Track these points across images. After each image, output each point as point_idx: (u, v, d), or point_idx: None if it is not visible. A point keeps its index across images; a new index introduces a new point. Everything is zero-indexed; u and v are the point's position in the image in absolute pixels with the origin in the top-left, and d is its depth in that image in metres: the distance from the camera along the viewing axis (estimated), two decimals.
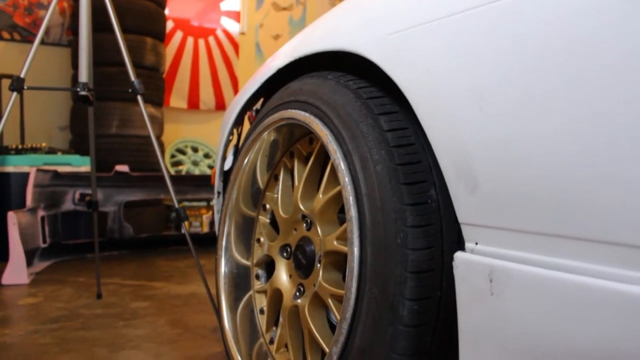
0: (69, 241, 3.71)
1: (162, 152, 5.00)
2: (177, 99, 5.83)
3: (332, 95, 1.04)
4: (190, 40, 5.92)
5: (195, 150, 5.77)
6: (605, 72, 0.61)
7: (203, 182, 4.17)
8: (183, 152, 5.70)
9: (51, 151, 4.03)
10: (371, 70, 1.03)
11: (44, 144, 4.03)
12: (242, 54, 6.29)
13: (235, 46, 6.24)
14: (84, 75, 2.21)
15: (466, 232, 0.80)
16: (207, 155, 5.78)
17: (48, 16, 2.11)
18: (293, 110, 1.15)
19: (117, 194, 3.86)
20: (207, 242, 3.94)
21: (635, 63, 0.58)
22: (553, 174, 0.67)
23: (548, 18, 0.67)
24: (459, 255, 0.80)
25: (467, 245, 0.80)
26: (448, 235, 0.86)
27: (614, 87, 0.60)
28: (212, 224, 4.47)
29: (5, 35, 4.90)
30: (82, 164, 3.91)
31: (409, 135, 0.92)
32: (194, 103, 5.94)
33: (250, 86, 1.44)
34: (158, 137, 4.69)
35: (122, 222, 3.83)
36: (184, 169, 5.58)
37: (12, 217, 2.97)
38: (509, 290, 0.72)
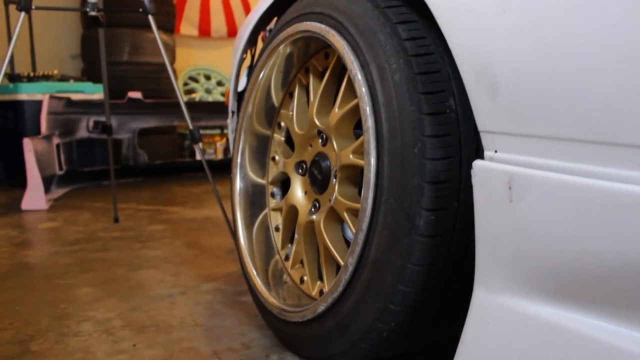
0: (85, 168, 3.74)
1: (175, 79, 4.96)
2: (188, 26, 5.73)
3: (348, 5, 1.01)
4: None
5: (208, 78, 5.72)
6: None
7: (216, 109, 4.15)
8: (196, 80, 5.65)
9: (63, 79, 4.01)
10: None
11: (55, 72, 4.01)
12: None
13: None
14: None
15: (486, 140, 0.78)
16: (220, 83, 5.73)
17: None
18: (308, 23, 1.11)
19: (130, 121, 3.86)
20: (221, 169, 3.94)
21: None
22: (574, 78, 0.64)
23: None
24: (477, 163, 0.79)
25: (486, 153, 0.78)
26: (466, 145, 0.85)
27: None
28: (226, 151, 4.48)
29: None
30: (94, 91, 3.89)
31: (428, 44, 0.89)
32: (205, 30, 5.84)
33: (262, 3, 1.40)
34: (170, 64, 4.64)
35: (136, 149, 3.85)
36: (196, 96, 5.55)
37: (28, 144, 2.99)
38: (528, 196, 0.71)
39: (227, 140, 4.50)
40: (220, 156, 4.42)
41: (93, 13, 2.12)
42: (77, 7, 3.96)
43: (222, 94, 5.64)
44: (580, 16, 0.63)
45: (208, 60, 5.79)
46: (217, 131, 4.90)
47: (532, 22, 0.69)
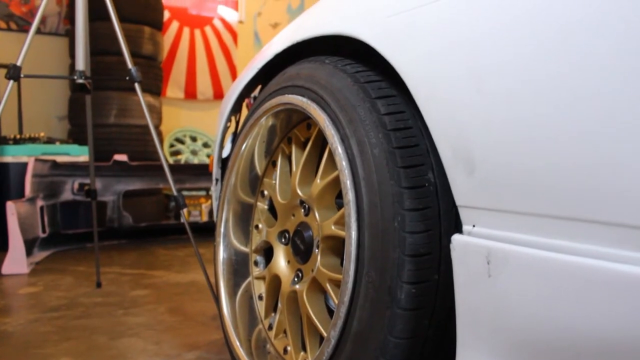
0: (68, 231, 3.71)
1: (161, 141, 4.99)
2: (174, 89, 5.81)
3: (329, 80, 1.04)
4: (186, 30, 5.89)
5: (193, 139, 5.76)
6: (605, 54, 0.61)
7: (202, 171, 4.17)
8: (182, 142, 5.69)
9: (49, 141, 4.02)
10: (369, 54, 1.03)
11: (42, 134, 4.02)
12: (240, 43, 6.27)
13: (234, 35, 6.21)
14: (80, 63, 2.21)
15: (464, 214, 0.80)
16: (205, 145, 5.78)
17: (44, 4, 2.10)
18: (290, 95, 1.14)
19: (116, 183, 3.86)
20: (206, 231, 3.94)
21: (634, 46, 0.58)
22: (550, 155, 0.66)
23: None
24: (456, 237, 0.80)
25: (465, 227, 0.79)
26: (446, 218, 0.86)
27: (613, 70, 0.60)
28: (211, 213, 4.47)
29: (2, 24, 4.88)
30: (80, 154, 3.90)
31: (406, 118, 0.92)
32: (191, 93, 5.93)
33: (247, 73, 1.44)
34: (157, 127, 4.68)
35: (121, 211, 3.84)
36: (182, 158, 5.57)
37: (11, 207, 2.97)
38: (506, 272, 0.71)
39: (212, 202, 4.51)
40: (205, 218, 4.40)
41: (80, 81, 2.16)
42: (65, 75, 4.01)
43: (208, 156, 5.67)
44: (554, 94, 0.66)
45: (194, 121, 5.85)
46: (203, 193, 4.90)
47: (506, 101, 0.72)
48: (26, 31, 2.09)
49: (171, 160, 5.43)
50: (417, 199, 0.85)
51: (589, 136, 0.62)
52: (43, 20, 4.96)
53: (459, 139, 0.79)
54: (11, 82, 2.04)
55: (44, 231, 3.41)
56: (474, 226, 0.78)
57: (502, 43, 0.72)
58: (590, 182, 0.63)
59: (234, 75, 6.14)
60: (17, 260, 2.94)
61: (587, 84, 0.62)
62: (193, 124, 5.83)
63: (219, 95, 6.04)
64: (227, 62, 6.14)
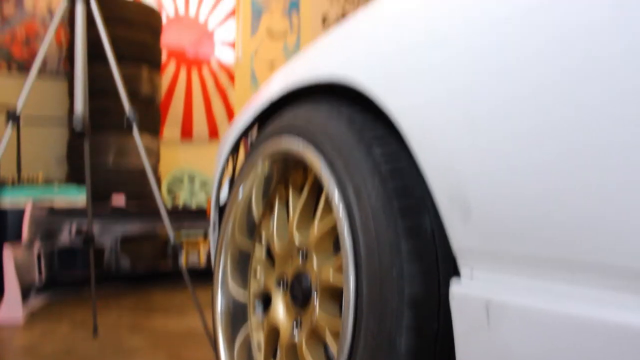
0: (66, 276, 3.66)
1: (159, 183, 4.98)
2: (171, 129, 5.84)
3: (324, 124, 1.03)
4: (183, 71, 5.95)
5: (192, 180, 5.76)
6: (597, 102, 0.60)
7: (200, 215, 4.14)
8: (180, 182, 5.69)
9: (47, 182, 4.01)
10: (364, 96, 1.02)
11: (40, 174, 4.02)
12: (237, 82, 6.32)
13: (231, 75, 6.27)
14: (79, 111, 2.22)
15: (461, 260, 0.79)
16: (204, 184, 5.77)
17: (42, 52, 2.12)
18: (286, 140, 1.14)
19: (113, 228, 3.84)
20: (205, 276, 3.89)
21: (625, 99, 0.58)
22: (548, 201, 0.66)
23: (540, 47, 0.67)
24: (455, 286, 0.78)
25: (463, 274, 0.78)
26: (444, 264, 0.85)
27: (605, 118, 0.60)
28: (209, 256, 4.43)
29: (2, 68, 4.93)
30: (78, 194, 3.88)
31: (402, 163, 0.91)
32: (187, 133, 5.96)
33: (243, 117, 1.44)
34: (155, 168, 4.68)
35: (118, 256, 3.81)
36: (180, 198, 5.56)
37: (8, 252, 2.94)
38: (505, 321, 0.70)
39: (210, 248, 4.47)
40: (203, 262, 4.36)
41: (79, 129, 2.17)
42: (64, 122, 4.05)
43: (207, 193, 5.67)
44: (549, 141, 0.65)
45: (192, 161, 5.86)
46: (201, 233, 4.87)
47: (500, 148, 0.71)
48: (26, 73, 2.11)
49: (169, 200, 5.42)
50: (415, 245, 0.84)
51: (587, 182, 0.62)
52: (43, 62, 5.01)
53: (454, 186, 0.78)
54: (9, 127, 2.04)
55: (40, 277, 3.37)
56: (472, 273, 0.77)
57: (496, 90, 0.72)
58: (588, 228, 0.62)
59: (230, 115, 6.18)
60: (13, 307, 2.90)
61: (585, 131, 0.62)
62: (191, 164, 5.84)
63: (214, 135, 6.07)
64: (223, 103, 6.19)
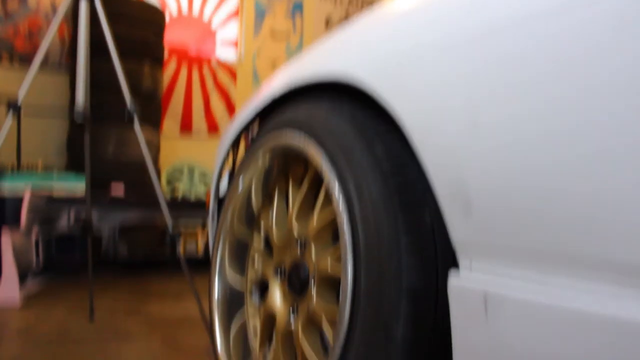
0: (63, 262, 3.68)
1: (158, 175, 5.00)
2: (171, 123, 5.87)
3: (326, 120, 1.06)
4: (184, 69, 5.98)
5: (191, 172, 5.78)
6: (598, 95, 0.62)
7: (198, 207, 4.17)
8: (180, 173, 5.70)
9: (47, 170, 4.03)
10: (366, 94, 1.05)
11: (39, 162, 4.03)
12: (239, 82, 6.34)
13: (232, 74, 6.29)
14: (80, 104, 2.24)
15: (460, 254, 0.81)
16: (203, 176, 5.79)
17: (45, 46, 2.14)
18: (288, 135, 1.16)
19: (112, 217, 3.86)
20: (203, 265, 3.92)
21: (633, 89, 0.60)
22: (548, 198, 0.67)
23: (541, 45, 0.69)
24: (453, 278, 0.81)
25: (462, 267, 0.80)
26: (443, 258, 0.87)
27: (607, 113, 0.61)
28: (207, 246, 4.45)
29: (5, 61, 4.94)
30: (77, 183, 3.90)
31: (403, 158, 0.93)
32: (186, 128, 5.99)
33: (245, 113, 1.46)
34: (154, 159, 4.70)
35: (116, 244, 3.82)
36: (179, 190, 5.57)
37: (6, 236, 2.96)
38: (503, 313, 0.72)
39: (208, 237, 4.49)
40: (201, 251, 4.39)
41: (80, 121, 2.19)
42: (65, 111, 4.07)
43: (206, 185, 5.69)
44: (551, 140, 0.67)
45: (191, 154, 5.88)
46: (199, 223, 4.88)
47: (502, 146, 0.73)
48: (28, 66, 2.13)
49: (168, 191, 5.44)
50: (414, 239, 0.86)
51: (588, 179, 0.63)
52: (45, 56, 5.01)
53: (455, 180, 0.80)
54: (10, 118, 2.06)
55: (38, 262, 3.39)
56: (470, 266, 0.79)
57: (497, 84, 0.74)
58: (589, 224, 0.63)
59: (231, 111, 6.20)
60: (10, 290, 2.92)
61: (589, 121, 0.63)
62: (190, 157, 5.85)
63: (213, 130, 6.09)
64: (223, 100, 6.21)
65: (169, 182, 5.53)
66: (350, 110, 1.04)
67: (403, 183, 0.90)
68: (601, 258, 0.63)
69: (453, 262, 0.86)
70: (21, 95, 2.09)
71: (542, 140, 0.68)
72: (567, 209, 0.65)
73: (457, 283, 0.80)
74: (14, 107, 2.04)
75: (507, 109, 0.73)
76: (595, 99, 0.62)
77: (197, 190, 5.68)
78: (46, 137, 4.98)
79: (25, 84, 2.09)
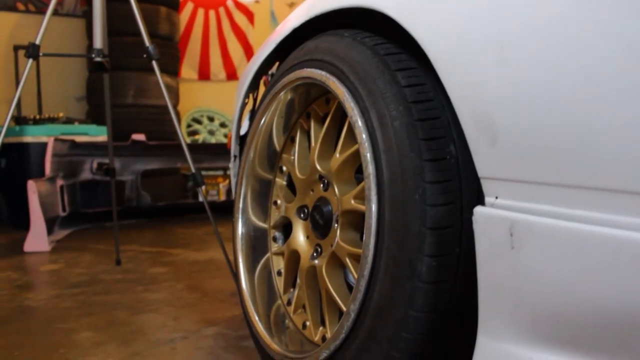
0: (88, 210, 3.74)
1: (179, 121, 5.00)
2: (188, 69, 5.82)
3: (348, 53, 1.02)
4: (201, 11, 5.88)
5: (211, 119, 5.78)
6: (622, 26, 0.59)
7: (219, 151, 4.18)
8: (199, 122, 5.70)
9: (68, 121, 4.06)
10: (389, 27, 1.01)
11: (61, 114, 4.05)
12: (257, 23, 6.24)
13: (249, 15, 6.18)
14: (98, 42, 2.21)
15: (486, 186, 0.79)
16: (223, 125, 5.79)
17: None
18: (309, 69, 1.13)
19: (134, 163, 3.88)
20: (224, 210, 3.94)
21: None
22: (573, 125, 0.65)
23: None
24: (478, 209, 0.79)
25: (487, 199, 0.78)
26: (467, 191, 0.85)
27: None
28: (229, 192, 4.48)
29: (20, 6, 4.90)
30: (99, 134, 3.93)
31: (427, 90, 0.90)
32: (204, 74, 5.94)
33: (264, 49, 1.42)
34: (174, 107, 4.69)
35: (139, 190, 3.86)
36: (200, 138, 5.59)
37: (32, 186, 3.00)
38: (529, 243, 0.70)
39: (230, 181, 4.52)
40: (222, 198, 4.42)
41: (98, 59, 2.16)
42: (83, 54, 4.04)
43: (225, 135, 5.69)
44: (577, 63, 0.64)
45: (211, 102, 5.86)
46: (220, 172, 4.91)
47: (528, 71, 0.71)
48: (44, 13, 2.09)
49: (189, 140, 5.45)
50: (439, 171, 0.84)
51: (611, 105, 0.61)
52: (60, 1, 4.97)
53: (480, 110, 0.77)
54: (30, 61, 2.05)
55: (64, 210, 3.45)
56: (496, 198, 0.77)
57: (523, 8, 0.71)
58: (612, 151, 0.61)
59: (249, 55, 6.13)
60: (38, 238, 2.99)
61: (610, 52, 0.61)
62: (210, 104, 5.83)
63: (231, 76, 6.04)
64: (240, 43, 6.13)
65: (188, 134, 5.54)
66: (371, 43, 1.01)
67: (427, 114, 0.87)
68: (625, 187, 0.61)
69: (478, 196, 0.84)
70: (39, 37, 2.06)
71: (570, 63, 0.65)
72: (592, 141, 0.63)
73: (483, 214, 0.78)
74: (32, 50, 2.02)
75: (532, 30, 0.69)
76: (625, 34, 0.59)
77: (218, 138, 5.69)
78: (66, 87, 4.99)
79: (42, 28, 2.07)
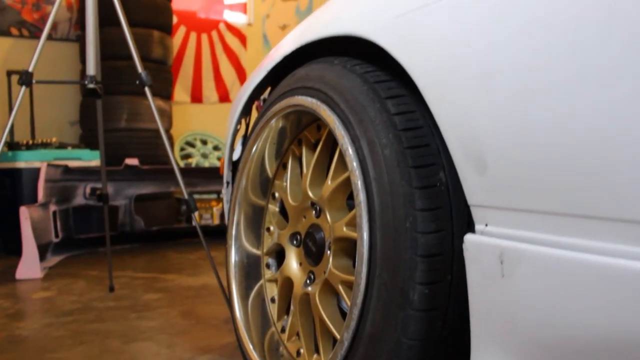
0: (81, 235, 3.72)
1: (172, 145, 5.01)
2: (181, 92, 5.84)
3: (338, 80, 1.03)
4: (193, 35, 5.92)
5: (204, 142, 5.78)
6: (615, 57, 0.60)
7: (212, 175, 4.17)
8: (192, 145, 5.70)
9: (61, 146, 4.05)
10: (378, 55, 1.02)
11: (54, 139, 4.05)
12: (249, 45, 6.28)
13: (242, 38, 6.22)
14: (91, 68, 2.22)
15: (476, 214, 0.79)
16: (216, 148, 5.79)
17: (55, 10, 2.11)
18: (300, 97, 1.14)
19: (127, 187, 3.87)
20: (218, 234, 3.94)
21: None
22: (562, 153, 0.66)
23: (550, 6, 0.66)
24: (469, 237, 0.79)
25: (477, 227, 0.79)
26: (458, 218, 0.85)
27: (621, 68, 0.59)
28: (222, 216, 4.47)
29: (14, 31, 4.92)
30: (92, 158, 3.92)
31: (417, 118, 0.91)
32: (197, 97, 5.95)
33: (256, 75, 1.44)
34: (167, 130, 4.70)
35: (133, 215, 3.85)
36: (193, 161, 5.58)
37: (25, 212, 2.99)
38: (520, 271, 0.71)
39: (223, 205, 4.51)
40: (216, 221, 4.41)
41: (91, 85, 2.17)
42: (76, 80, 4.05)
43: (218, 159, 5.69)
44: (565, 93, 0.65)
45: (204, 124, 5.86)
46: (214, 196, 4.91)
47: (516, 100, 0.71)
48: (38, 37, 2.11)
49: (182, 163, 5.45)
50: (429, 199, 0.84)
51: (600, 134, 0.61)
52: (54, 27, 4.99)
53: (470, 139, 0.78)
54: (23, 88, 2.05)
55: (56, 236, 3.43)
56: (486, 225, 0.77)
57: (512, 43, 0.72)
58: (601, 180, 0.62)
59: (242, 78, 6.15)
60: (31, 265, 2.96)
61: (598, 83, 0.61)
62: (203, 127, 5.84)
63: (224, 98, 6.06)
64: (233, 66, 6.15)
65: (182, 157, 5.54)
66: (362, 71, 1.02)
67: (417, 142, 0.88)
68: (615, 217, 0.61)
69: (468, 223, 0.84)
70: (32, 65, 2.07)
71: (558, 101, 0.66)
72: (581, 169, 0.64)
73: (473, 242, 0.79)
74: (25, 77, 2.02)
75: (521, 64, 0.70)
76: (614, 49, 0.60)
77: (211, 162, 5.69)
78: (59, 112, 4.98)
79: (36, 54, 2.07)
